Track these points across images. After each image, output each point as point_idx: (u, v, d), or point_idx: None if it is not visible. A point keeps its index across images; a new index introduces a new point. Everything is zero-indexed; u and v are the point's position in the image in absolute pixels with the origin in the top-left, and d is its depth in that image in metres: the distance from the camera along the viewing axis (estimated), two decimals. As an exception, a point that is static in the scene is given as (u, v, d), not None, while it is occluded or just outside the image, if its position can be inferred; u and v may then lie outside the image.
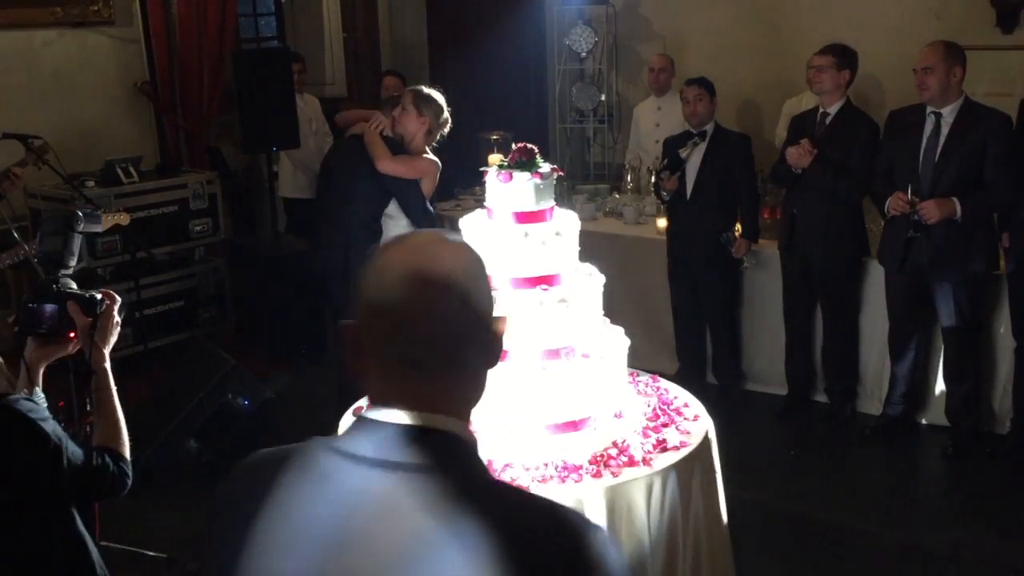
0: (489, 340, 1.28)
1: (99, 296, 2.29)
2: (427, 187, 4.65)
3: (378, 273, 1.22)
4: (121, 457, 2.24)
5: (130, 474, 2.25)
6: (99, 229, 4.11)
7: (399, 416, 1.22)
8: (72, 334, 2.25)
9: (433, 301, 1.19)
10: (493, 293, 1.30)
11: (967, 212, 4.48)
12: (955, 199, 4.46)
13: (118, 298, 2.33)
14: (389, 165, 4.55)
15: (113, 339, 2.31)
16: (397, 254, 1.23)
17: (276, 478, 1.24)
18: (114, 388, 2.29)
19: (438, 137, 4.67)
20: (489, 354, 1.29)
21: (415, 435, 1.21)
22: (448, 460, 1.21)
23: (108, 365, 2.27)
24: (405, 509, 1.16)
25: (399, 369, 1.22)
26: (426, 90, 4.65)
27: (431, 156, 4.66)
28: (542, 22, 7.96)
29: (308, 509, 1.20)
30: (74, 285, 2.33)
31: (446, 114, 4.62)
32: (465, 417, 1.28)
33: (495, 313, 1.29)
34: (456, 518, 1.15)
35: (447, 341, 1.21)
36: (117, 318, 2.31)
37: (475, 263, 1.26)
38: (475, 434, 1.29)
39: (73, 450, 2.13)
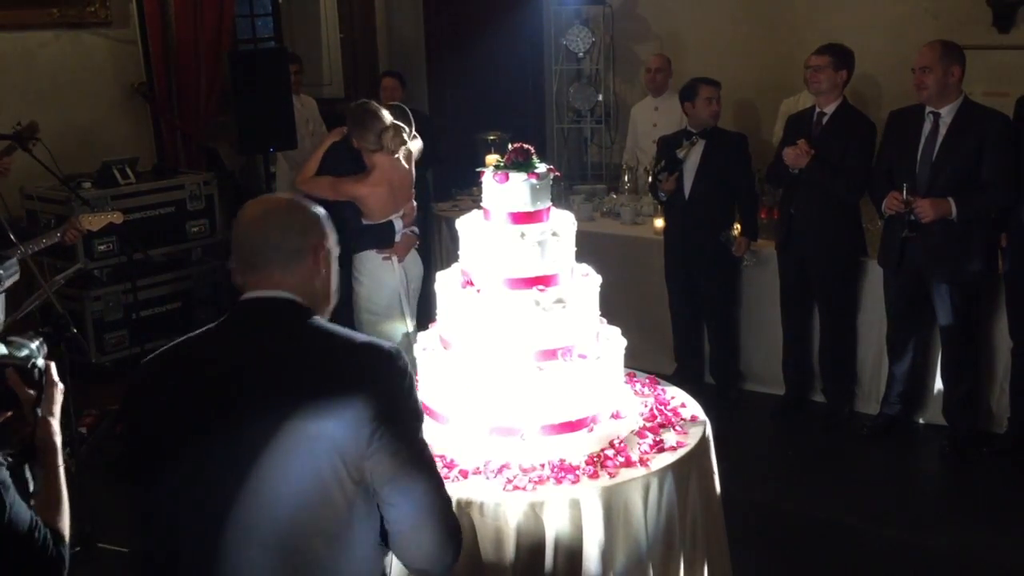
0: (307, 253, 1.97)
1: (41, 363, 1.97)
2: (372, 204, 4.64)
3: (237, 218, 2.00)
4: (61, 539, 1.92)
5: (67, 560, 1.92)
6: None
7: (256, 293, 1.95)
8: (8, 413, 1.93)
9: (260, 226, 1.96)
10: (316, 227, 1.99)
11: (963, 212, 4.48)
12: (951, 199, 4.46)
13: (52, 364, 2.01)
14: (303, 184, 4.67)
15: (58, 406, 1.99)
16: (248, 207, 2.01)
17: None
18: (61, 465, 1.98)
19: (391, 145, 4.58)
20: (311, 263, 1.97)
21: (266, 300, 1.94)
22: (291, 308, 1.94)
23: (58, 436, 1.97)
24: (266, 339, 1.91)
25: (250, 270, 1.96)
26: (354, 105, 4.72)
27: (371, 179, 4.60)
28: (539, 22, 7.95)
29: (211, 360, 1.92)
30: (3, 349, 1.94)
31: (384, 123, 4.55)
32: (308, 300, 1.97)
33: (321, 242, 1.99)
34: (298, 342, 1.91)
35: (270, 251, 1.94)
36: (59, 382, 2.01)
37: (290, 208, 2.00)
38: (313, 311, 1.98)
39: (18, 513, 1.83)
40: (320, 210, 2.02)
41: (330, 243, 2.02)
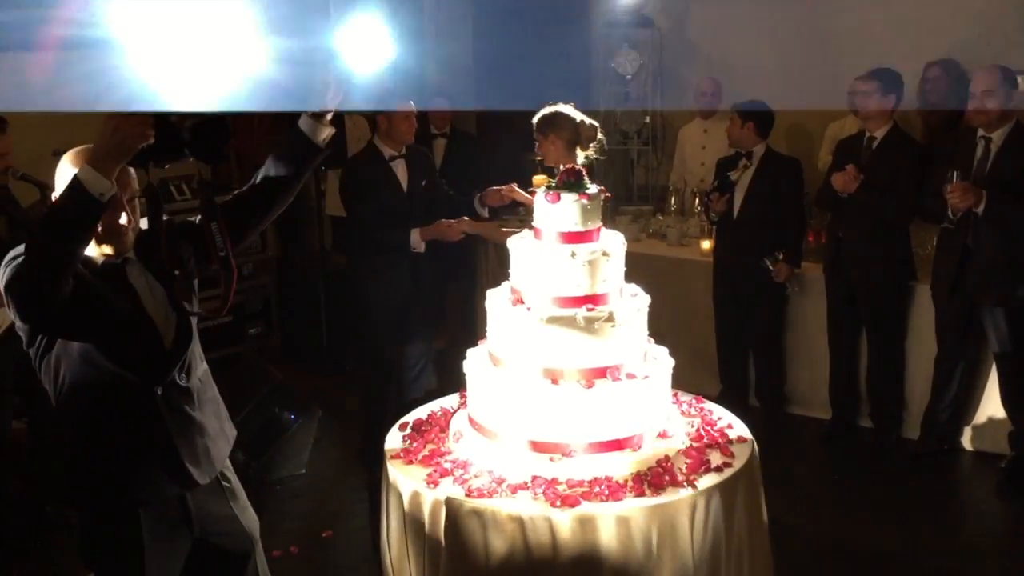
0: None
1: None
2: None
3: None
4: None
5: None
6: None
7: None
8: None
9: None
10: None
11: (991, 209, 4.41)
12: (984, 191, 4.41)
13: None
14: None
15: None
16: None
17: None
18: None
19: (589, 145, 4.07)
20: None
21: None
22: None
23: None
24: None
25: None
26: (547, 110, 4.27)
27: None
28: (587, 45, 8.01)
29: None
30: None
31: (580, 118, 4.16)
32: None
33: None
34: None
35: None
36: None
37: None
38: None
39: None
40: None
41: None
